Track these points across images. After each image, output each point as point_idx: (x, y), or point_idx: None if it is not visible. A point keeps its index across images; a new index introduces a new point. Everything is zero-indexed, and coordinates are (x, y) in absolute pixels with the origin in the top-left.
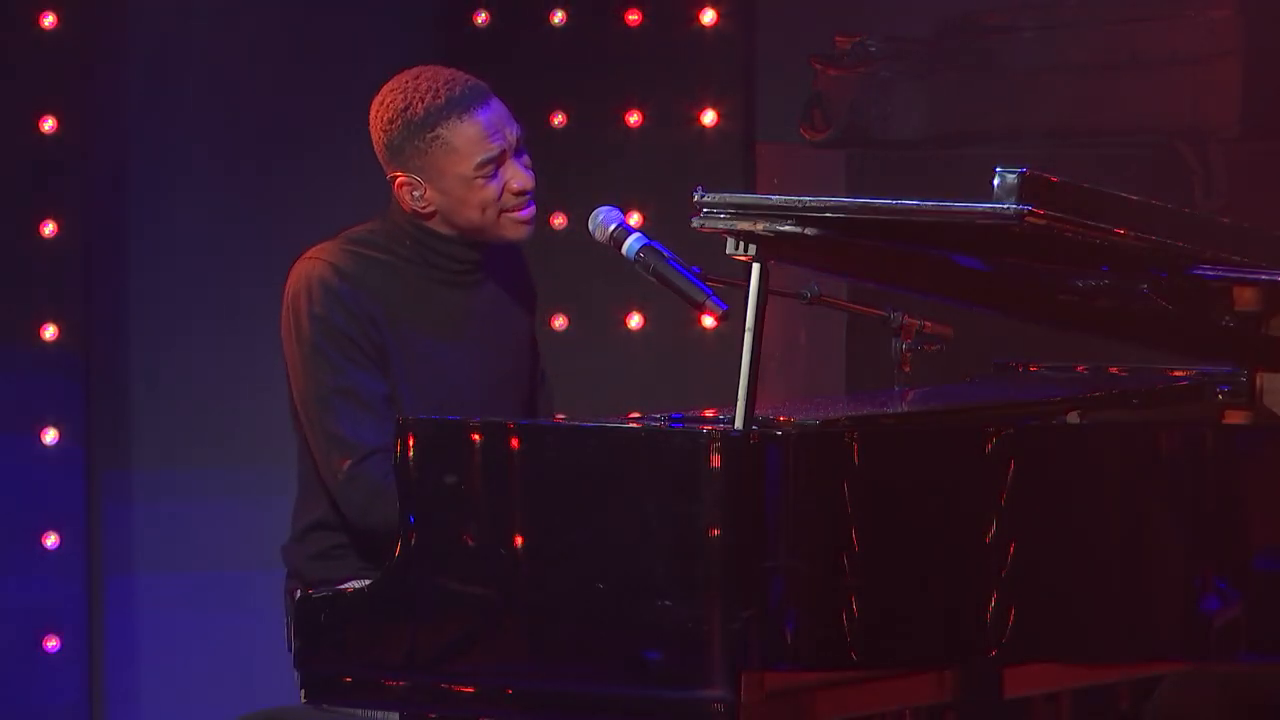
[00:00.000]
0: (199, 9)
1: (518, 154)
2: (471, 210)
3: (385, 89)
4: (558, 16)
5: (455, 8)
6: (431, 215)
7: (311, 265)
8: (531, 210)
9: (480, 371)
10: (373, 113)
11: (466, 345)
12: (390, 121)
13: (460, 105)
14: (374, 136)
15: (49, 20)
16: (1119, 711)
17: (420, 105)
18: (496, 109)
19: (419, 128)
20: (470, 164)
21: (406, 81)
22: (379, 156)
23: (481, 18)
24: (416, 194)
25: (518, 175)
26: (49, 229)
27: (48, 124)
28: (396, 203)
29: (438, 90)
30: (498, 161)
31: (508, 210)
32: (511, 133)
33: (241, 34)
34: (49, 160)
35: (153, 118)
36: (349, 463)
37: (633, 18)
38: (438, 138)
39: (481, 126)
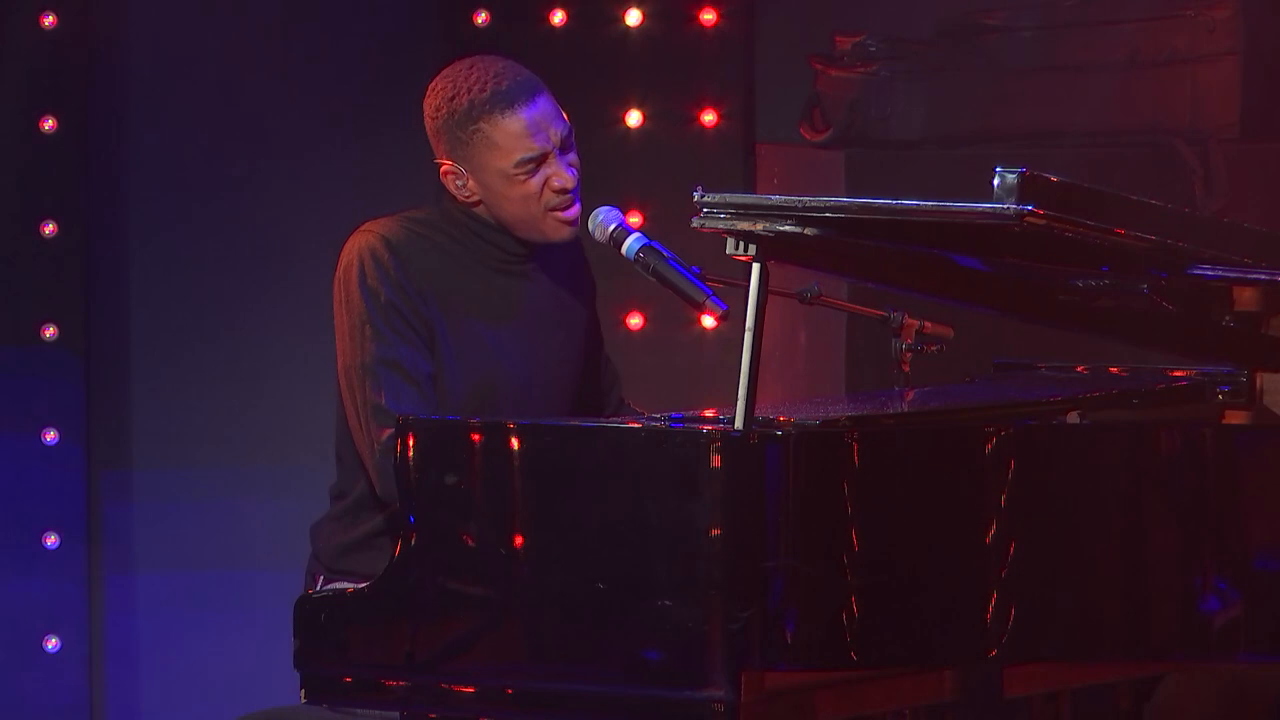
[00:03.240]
0: (199, 9)
1: (563, 152)
2: (513, 205)
3: (439, 75)
4: (558, 16)
5: (455, 8)
6: (477, 204)
7: (365, 238)
8: (575, 210)
9: (529, 358)
10: (425, 98)
11: (516, 331)
12: (437, 109)
13: (504, 101)
14: (425, 122)
15: (49, 20)
16: (1119, 711)
17: (465, 96)
18: (542, 106)
19: (463, 119)
20: (509, 161)
21: (459, 70)
22: (430, 141)
23: (481, 18)
24: (459, 183)
25: (559, 174)
26: (49, 229)
27: (48, 124)
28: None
29: (485, 83)
30: (538, 161)
31: (552, 209)
32: (556, 132)
33: (242, 34)
34: (49, 160)
35: (153, 118)
36: (388, 433)
37: (633, 18)
38: (479, 131)
39: (524, 124)
